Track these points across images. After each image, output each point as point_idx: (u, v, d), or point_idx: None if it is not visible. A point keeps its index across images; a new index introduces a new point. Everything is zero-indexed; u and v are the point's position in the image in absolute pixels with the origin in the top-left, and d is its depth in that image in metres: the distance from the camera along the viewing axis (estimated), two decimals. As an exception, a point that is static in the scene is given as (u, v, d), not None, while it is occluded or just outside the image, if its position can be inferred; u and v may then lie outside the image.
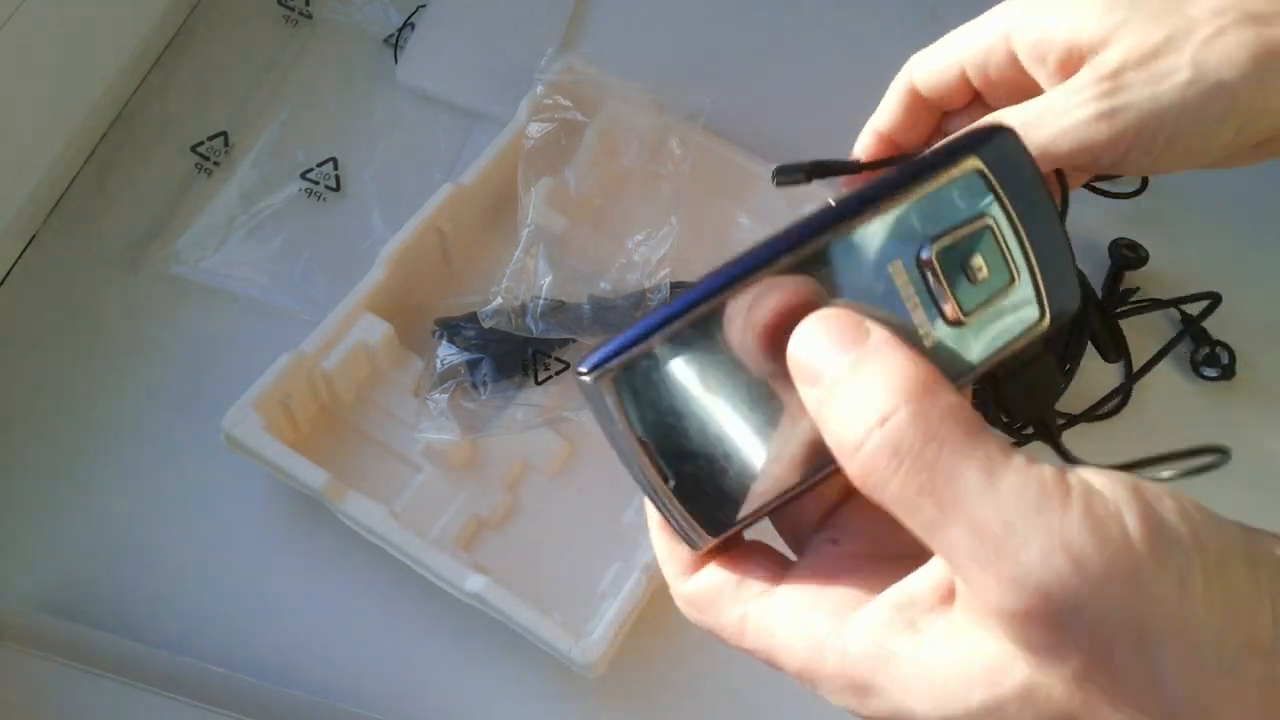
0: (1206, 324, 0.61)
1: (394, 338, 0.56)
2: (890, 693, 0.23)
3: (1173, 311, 0.63)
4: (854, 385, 0.23)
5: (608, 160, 0.62)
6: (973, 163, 0.27)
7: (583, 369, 0.26)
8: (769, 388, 0.26)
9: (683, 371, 0.26)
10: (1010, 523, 0.21)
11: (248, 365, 0.54)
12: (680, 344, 0.26)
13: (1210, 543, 0.21)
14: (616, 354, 0.26)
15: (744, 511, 0.27)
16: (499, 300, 0.56)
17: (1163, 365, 0.59)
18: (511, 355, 0.57)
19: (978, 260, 0.27)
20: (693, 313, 0.26)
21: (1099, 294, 0.63)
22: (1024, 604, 0.21)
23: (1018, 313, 0.28)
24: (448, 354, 0.57)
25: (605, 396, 0.26)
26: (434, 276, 0.61)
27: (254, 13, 0.71)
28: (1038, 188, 0.28)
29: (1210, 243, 0.65)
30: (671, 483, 0.26)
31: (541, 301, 0.56)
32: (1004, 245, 0.27)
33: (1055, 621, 0.21)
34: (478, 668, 0.53)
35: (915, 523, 0.22)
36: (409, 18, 0.71)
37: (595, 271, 0.59)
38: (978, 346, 0.27)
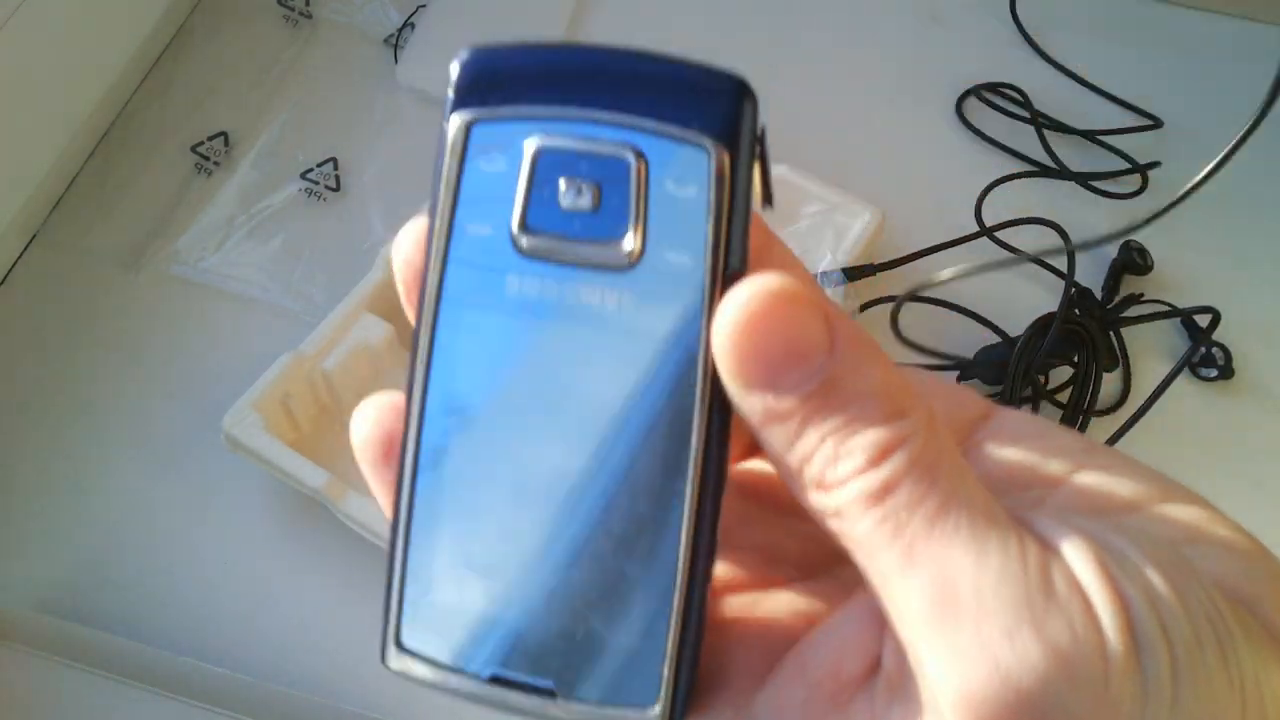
0: (1201, 321, 0.61)
1: (394, 338, 0.56)
2: None
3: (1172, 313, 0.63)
4: (842, 399, 0.19)
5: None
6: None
7: (388, 660, 0.23)
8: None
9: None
10: (980, 589, 0.18)
11: (248, 365, 0.54)
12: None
13: (1180, 635, 0.18)
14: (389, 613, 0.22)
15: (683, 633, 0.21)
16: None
17: (1161, 366, 0.60)
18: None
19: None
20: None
21: (1099, 296, 0.62)
22: (975, 682, 0.18)
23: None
24: (448, 354, 0.57)
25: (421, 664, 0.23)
26: (434, 277, 0.60)
27: (254, 13, 0.71)
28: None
29: (1209, 244, 0.65)
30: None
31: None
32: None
33: (1007, 712, 0.18)
34: (478, 668, 0.53)
35: (875, 564, 0.19)
36: (409, 18, 0.71)
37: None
38: None
